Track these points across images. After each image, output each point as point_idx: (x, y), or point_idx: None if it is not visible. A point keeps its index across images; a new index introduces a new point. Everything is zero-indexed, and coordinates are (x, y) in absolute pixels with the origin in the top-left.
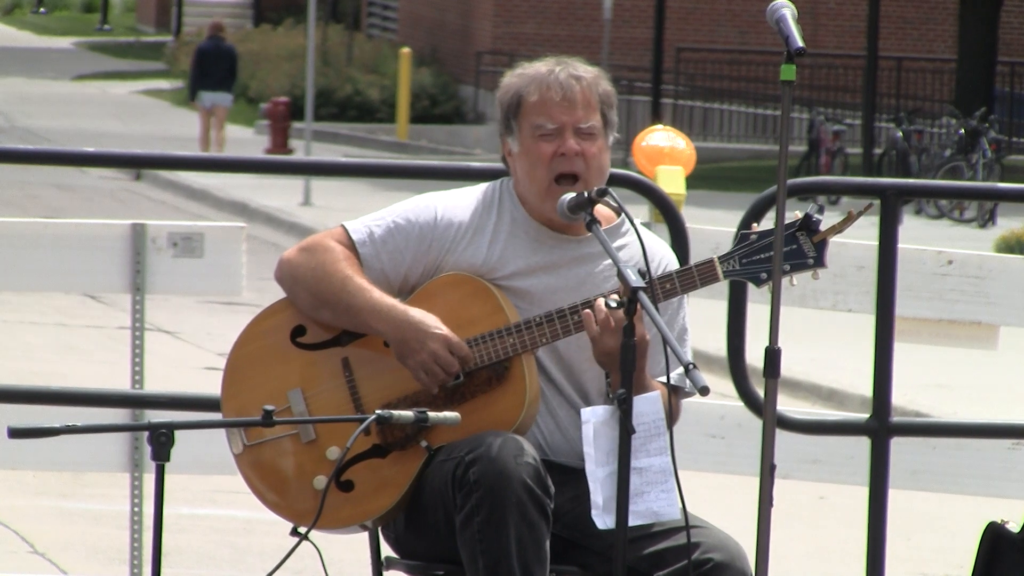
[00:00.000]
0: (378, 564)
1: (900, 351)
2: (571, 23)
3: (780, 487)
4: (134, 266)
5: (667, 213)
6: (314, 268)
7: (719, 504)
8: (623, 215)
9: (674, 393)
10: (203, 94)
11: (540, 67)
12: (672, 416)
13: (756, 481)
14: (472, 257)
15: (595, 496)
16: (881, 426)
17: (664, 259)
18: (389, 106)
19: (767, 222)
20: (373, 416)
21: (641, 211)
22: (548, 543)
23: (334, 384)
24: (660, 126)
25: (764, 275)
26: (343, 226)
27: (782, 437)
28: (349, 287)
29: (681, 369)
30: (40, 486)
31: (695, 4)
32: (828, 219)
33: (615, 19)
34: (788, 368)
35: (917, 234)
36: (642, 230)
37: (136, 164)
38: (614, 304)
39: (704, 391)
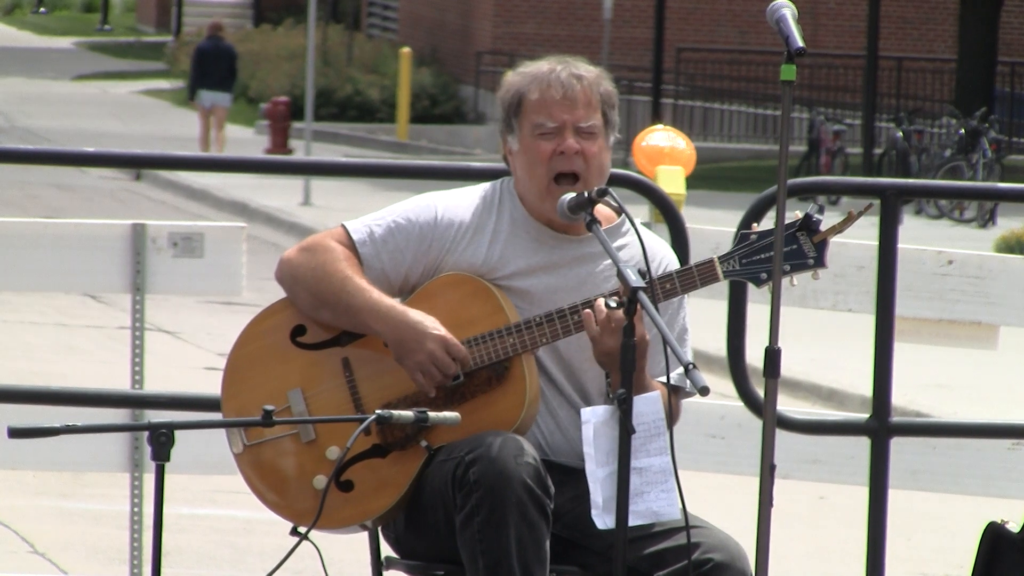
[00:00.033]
0: (378, 564)
1: (900, 351)
2: (571, 23)
3: (780, 487)
4: (134, 266)
5: (667, 213)
6: (314, 268)
7: (719, 504)
8: (623, 215)
9: (674, 393)
10: (202, 93)
11: (542, 66)
12: (672, 416)
13: (756, 481)
14: (472, 257)
15: (595, 496)
16: (881, 426)
17: (664, 259)
18: (389, 106)
19: (767, 222)
20: (373, 416)
21: (641, 211)
22: (548, 543)
23: (334, 384)
24: (660, 126)
25: (764, 275)
26: (343, 226)
27: (782, 437)
28: (349, 287)
29: (681, 369)
30: (40, 486)
31: (695, 4)
32: (828, 219)
33: (615, 19)
34: (788, 368)
35: (917, 234)
36: (642, 230)
37: (136, 164)
38: (614, 304)
39: (704, 391)
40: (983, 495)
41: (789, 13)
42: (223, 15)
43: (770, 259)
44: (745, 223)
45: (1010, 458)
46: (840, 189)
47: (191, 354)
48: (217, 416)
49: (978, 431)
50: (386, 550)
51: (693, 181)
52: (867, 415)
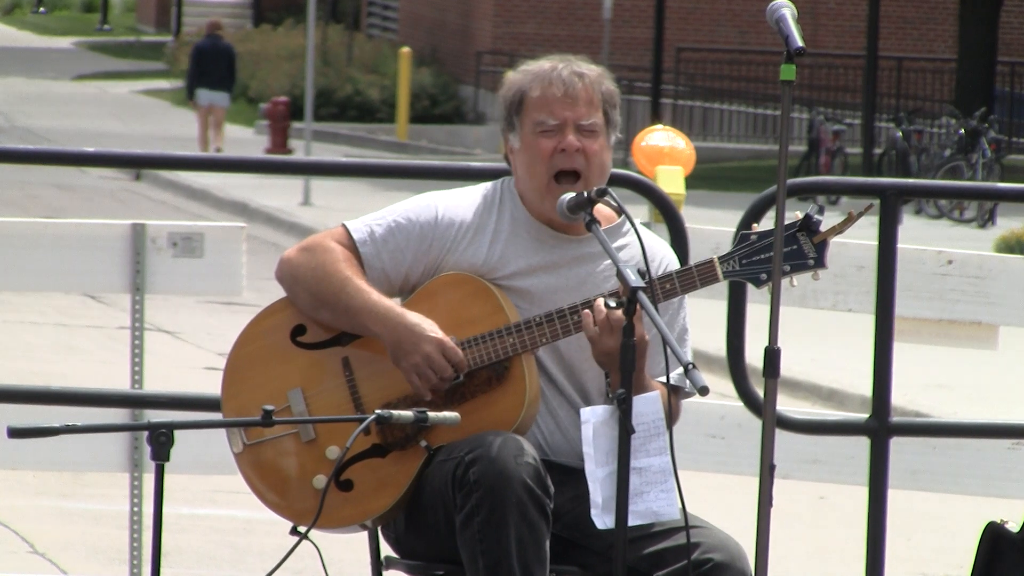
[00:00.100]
0: (378, 564)
1: (900, 351)
2: (571, 23)
3: (780, 487)
4: (134, 266)
5: (667, 213)
6: (314, 268)
7: (719, 504)
8: (623, 215)
9: (674, 393)
10: (200, 92)
11: (544, 64)
12: (672, 416)
13: (756, 481)
14: (473, 257)
15: (595, 496)
16: (881, 426)
17: (664, 259)
18: (389, 106)
19: (767, 222)
20: (373, 416)
21: (641, 211)
22: (548, 543)
23: (334, 384)
24: (660, 126)
25: (764, 276)
26: (344, 225)
27: (782, 437)
28: (348, 288)
29: (681, 369)
30: (40, 486)
31: (695, 4)
32: (828, 219)
33: (615, 19)
34: (788, 368)
35: (917, 234)
36: (642, 230)
37: (136, 164)
38: (614, 304)
39: (704, 391)
40: (983, 495)
41: (789, 13)
42: (223, 15)
43: (770, 259)
44: (745, 223)
45: (1010, 458)
46: (840, 189)
47: (191, 354)
48: (217, 416)
49: (978, 431)
50: (386, 550)
51: (693, 181)
52: (867, 415)
